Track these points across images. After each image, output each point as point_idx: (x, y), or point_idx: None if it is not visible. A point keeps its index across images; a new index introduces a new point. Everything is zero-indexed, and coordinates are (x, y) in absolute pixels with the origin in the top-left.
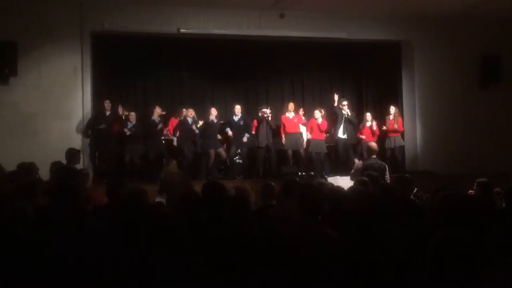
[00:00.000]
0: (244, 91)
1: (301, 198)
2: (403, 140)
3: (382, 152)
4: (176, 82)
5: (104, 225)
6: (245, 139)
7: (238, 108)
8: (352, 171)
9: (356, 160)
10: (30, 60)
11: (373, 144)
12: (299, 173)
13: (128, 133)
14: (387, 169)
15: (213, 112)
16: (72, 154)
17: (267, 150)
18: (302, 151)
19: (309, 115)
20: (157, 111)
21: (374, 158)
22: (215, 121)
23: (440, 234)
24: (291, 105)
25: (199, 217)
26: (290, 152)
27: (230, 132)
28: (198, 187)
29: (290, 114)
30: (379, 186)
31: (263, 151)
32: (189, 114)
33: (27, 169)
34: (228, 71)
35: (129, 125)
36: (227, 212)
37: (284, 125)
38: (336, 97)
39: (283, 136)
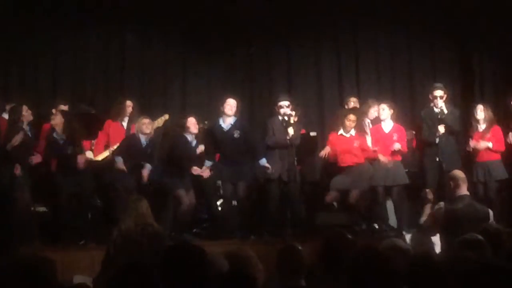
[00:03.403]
0: (241, 69)
1: (356, 274)
2: None
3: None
4: (114, 55)
5: None
6: (266, 164)
7: (231, 105)
8: (424, 219)
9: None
10: None
11: (459, 173)
12: (351, 226)
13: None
14: (491, 219)
15: (192, 124)
16: None
17: (284, 183)
18: (354, 194)
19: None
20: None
21: (467, 196)
22: (194, 143)
23: None
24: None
25: None
26: (334, 193)
27: (206, 173)
28: None
29: (346, 131)
30: (506, 253)
31: (277, 185)
32: (144, 127)
33: None
34: (210, 31)
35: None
36: None
37: (334, 148)
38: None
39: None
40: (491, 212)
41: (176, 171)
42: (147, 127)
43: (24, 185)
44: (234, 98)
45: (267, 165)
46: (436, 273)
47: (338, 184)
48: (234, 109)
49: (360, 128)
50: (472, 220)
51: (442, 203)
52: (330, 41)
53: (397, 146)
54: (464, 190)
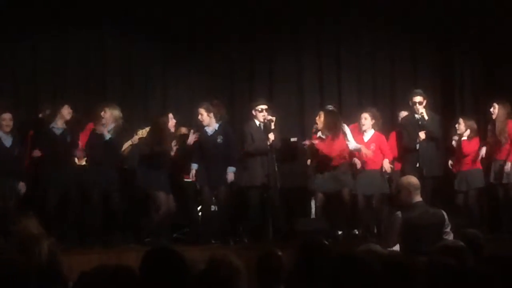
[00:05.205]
0: (222, 74)
1: (333, 280)
2: None
3: (489, 188)
4: (94, 58)
5: None
6: (230, 176)
7: (201, 114)
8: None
9: None
10: None
11: (413, 180)
12: (331, 232)
13: None
14: (446, 221)
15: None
16: None
17: (266, 189)
18: (346, 192)
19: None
20: (64, 112)
21: (421, 203)
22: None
23: None
24: (322, 116)
25: None
26: (320, 195)
27: (194, 171)
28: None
29: (322, 134)
30: (488, 259)
31: (258, 192)
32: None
33: None
34: (191, 35)
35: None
36: None
37: (317, 152)
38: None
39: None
40: (445, 214)
41: (154, 174)
42: (107, 117)
43: (9, 195)
44: (201, 106)
45: (231, 176)
46: (411, 274)
47: (325, 188)
48: (203, 116)
49: (335, 130)
50: (429, 226)
51: (398, 212)
52: (312, 45)
53: (387, 165)
54: (418, 197)
